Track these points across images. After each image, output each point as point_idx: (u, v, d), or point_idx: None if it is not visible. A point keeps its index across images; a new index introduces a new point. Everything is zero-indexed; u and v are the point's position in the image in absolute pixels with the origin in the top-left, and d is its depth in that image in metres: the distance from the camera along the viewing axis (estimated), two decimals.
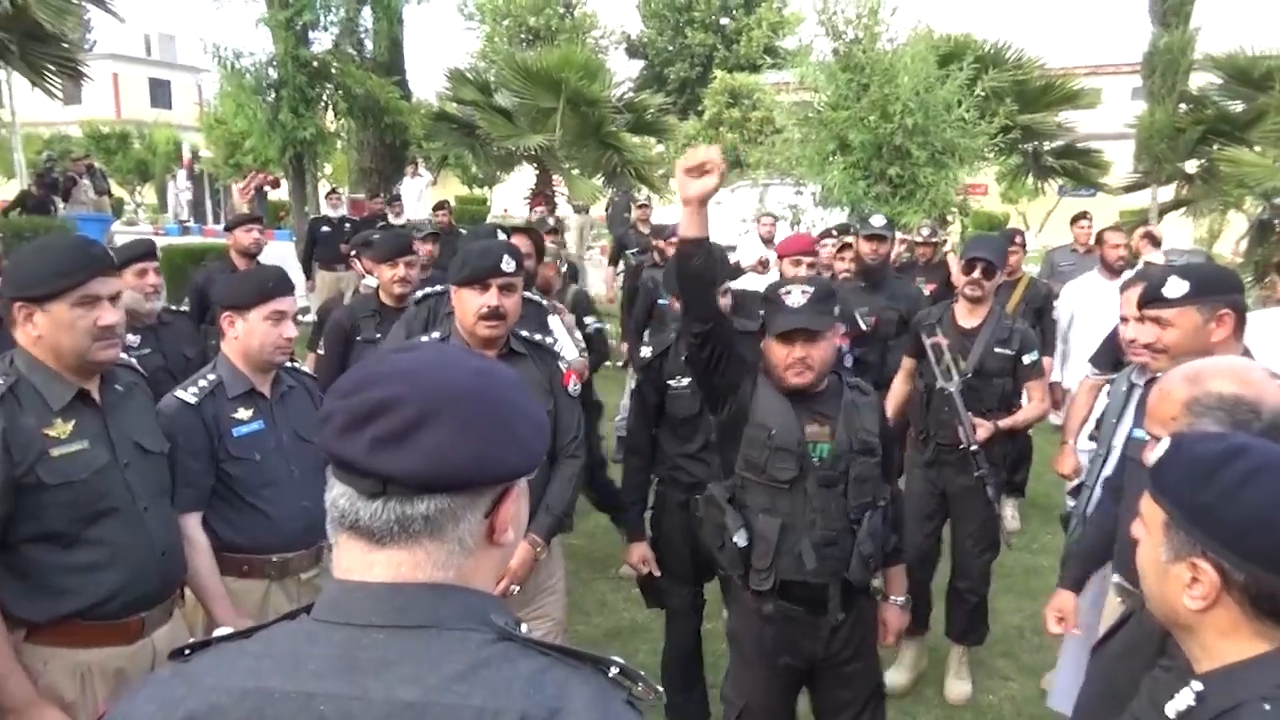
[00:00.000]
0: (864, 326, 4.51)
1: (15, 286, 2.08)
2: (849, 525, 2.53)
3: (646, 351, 3.39)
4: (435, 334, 2.93)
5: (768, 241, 8.13)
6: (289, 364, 2.75)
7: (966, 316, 3.90)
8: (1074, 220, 7.71)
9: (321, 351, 4.11)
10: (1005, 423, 3.80)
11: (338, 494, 0.94)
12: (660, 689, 0.95)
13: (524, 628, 0.96)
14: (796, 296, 2.49)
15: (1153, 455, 1.29)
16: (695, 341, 2.56)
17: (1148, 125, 11.98)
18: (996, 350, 3.81)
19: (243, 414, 2.55)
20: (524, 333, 2.88)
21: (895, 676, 3.82)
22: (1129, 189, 12.99)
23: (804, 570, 2.50)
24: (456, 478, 0.92)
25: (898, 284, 4.97)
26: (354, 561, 0.94)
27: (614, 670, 0.93)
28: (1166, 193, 12.58)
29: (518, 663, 0.89)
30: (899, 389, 4.13)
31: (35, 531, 2.04)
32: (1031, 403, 3.93)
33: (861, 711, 2.69)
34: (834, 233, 6.08)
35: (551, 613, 2.90)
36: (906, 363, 4.10)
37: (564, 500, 2.82)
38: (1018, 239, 6.21)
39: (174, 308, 4.06)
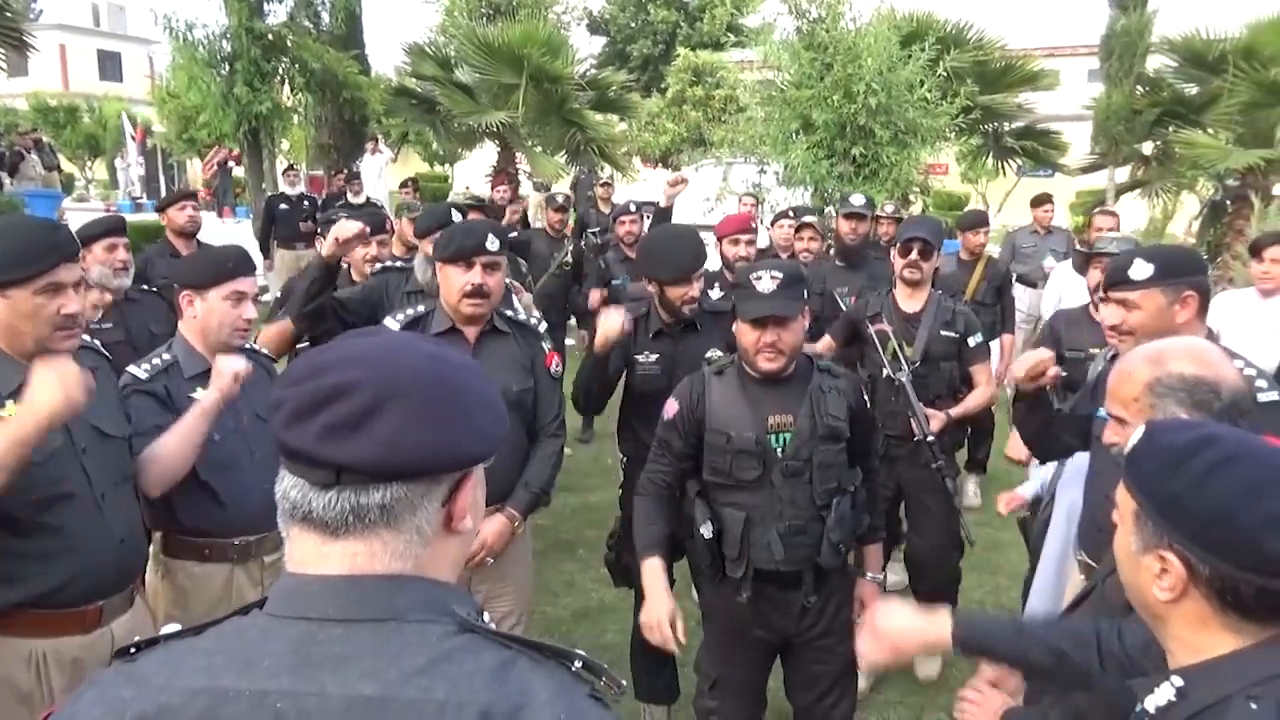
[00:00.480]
0: (844, 306, 4.45)
1: None
2: (817, 513, 2.54)
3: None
4: (420, 308, 2.90)
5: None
6: (248, 345, 2.69)
7: (907, 301, 3.80)
8: (1036, 202, 7.77)
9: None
10: (956, 410, 3.72)
11: (289, 485, 0.92)
12: (624, 682, 0.93)
13: (486, 616, 0.94)
14: (767, 282, 2.50)
15: (1130, 441, 1.28)
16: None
17: (1105, 107, 12.14)
18: (941, 334, 3.72)
19: (200, 393, 2.49)
20: (508, 312, 2.89)
21: (927, 668, 3.78)
22: (1086, 170, 13.18)
23: (774, 560, 2.53)
24: (412, 465, 0.90)
25: (878, 264, 4.85)
26: (307, 554, 0.91)
27: (577, 664, 0.91)
28: (1123, 174, 12.78)
29: (481, 655, 0.88)
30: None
31: None
32: (979, 387, 3.83)
33: (833, 687, 2.71)
34: (790, 214, 6.06)
35: (517, 588, 2.94)
36: (827, 343, 3.99)
37: (543, 478, 2.87)
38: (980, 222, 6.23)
39: (144, 286, 3.96)
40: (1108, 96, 12.22)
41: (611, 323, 2.99)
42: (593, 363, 3.16)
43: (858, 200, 4.84)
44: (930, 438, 3.49)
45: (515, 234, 6.50)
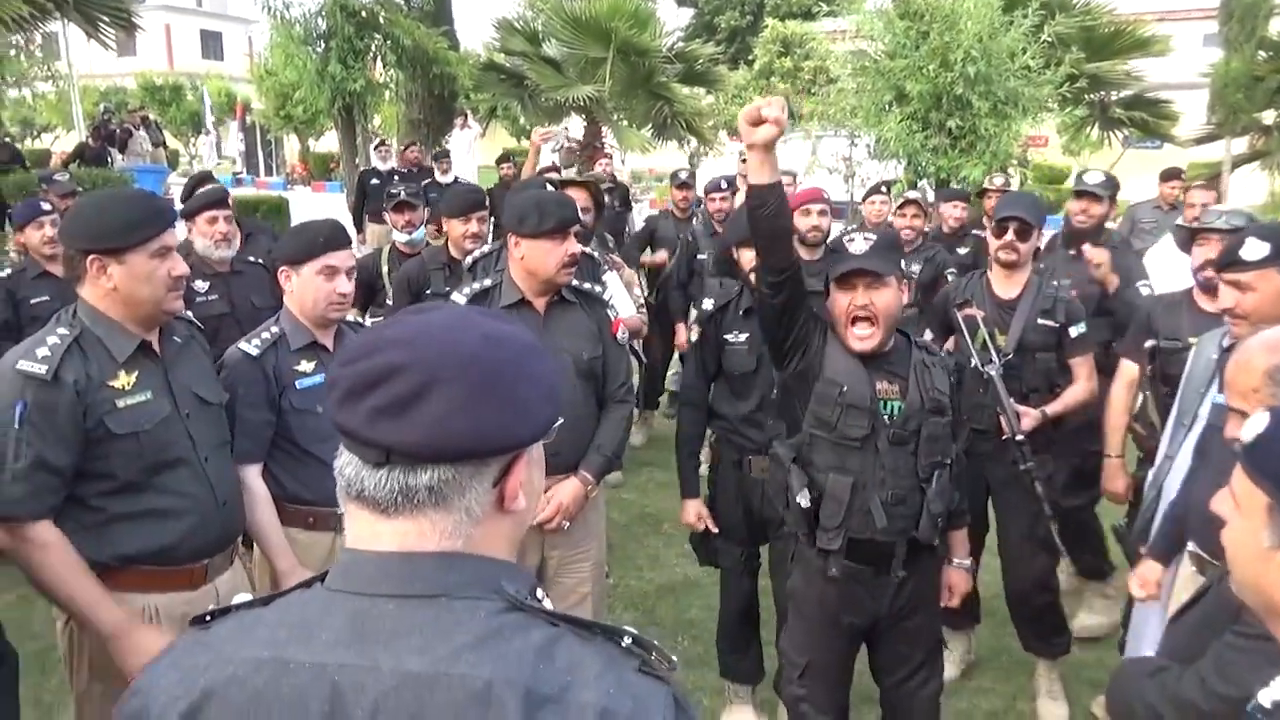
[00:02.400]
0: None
1: (89, 239, 2.08)
2: (918, 484, 2.51)
3: (708, 304, 3.32)
4: (486, 281, 2.92)
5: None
6: (350, 318, 2.75)
7: (1003, 285, 3.48)
8: (1165, 177, 7.33)
9: (390, 304, 4.12)
10: (1053, 409, 3.34)
11: (344, 462, 0.93)
12: (674, 659, 0.92)
13: (540, 594, 0.94)
14: (859, 244, 2.48)
15: (1247, 432, 1.20)
16: (769, 291, 2.50)
17: (1223, 74, 11.52)
18: (1039, 323, 3.39)
19: (305, 366, 2.56)
20: (574, 281, 2.91)
21: (1054, 711, 3.50)
22: (1199, 141, 12.52)
23: (873, 528, 2.49)
24: (457, 449, 0.90)
25: (1114, 254, 4.07)
26: (362, 531, 0.93)
27: (627, 640, 0.91)
28: (1239, 145, 12.10)
29: (529, 633, 0.88)
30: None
31: (103, 481, 2.08)
32: (1078, 382, 3.43)
33: (921, 666, 2.68)
34: (883, 189, 5.81)
35: (593, 554, 2.97)
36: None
37: (614, 441, 2.91)
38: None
39: (250, 258, 4.04)
40: (1226, 62, 11.59)
41: None
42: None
43: (1093, 178, 4.14)
44: (1020, 437, 3.20)
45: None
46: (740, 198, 5.66)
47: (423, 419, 0.88)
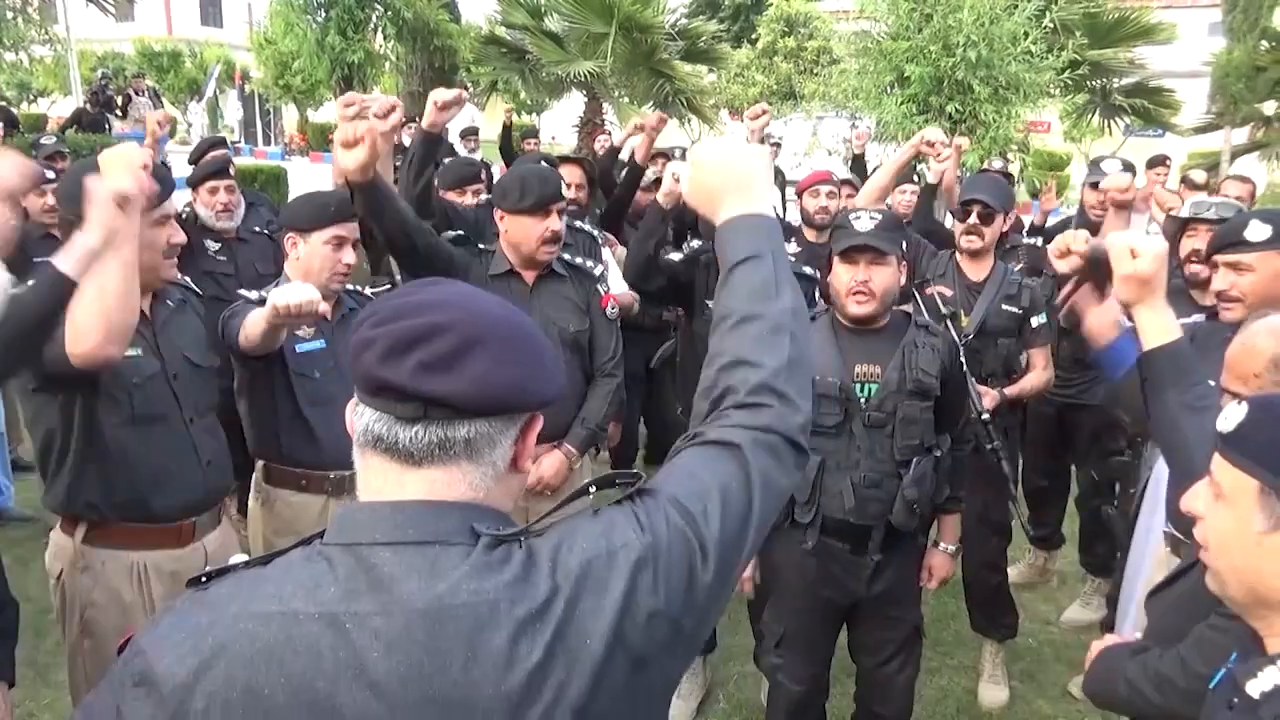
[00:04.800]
0: None
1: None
2: (895, 469, 2.51)
3: (695, 243, 3.33)
4: (481, 245, 2.96)
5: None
6: (351, 288, 2.77)
7: (971, 267, 3.48)
8: (1150, 165, 7.28)
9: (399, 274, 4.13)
10: (1011, 390, 3.36)
11: (371, 419, 0.96)
12: (639, 473, 1.02)
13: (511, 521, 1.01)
14: (865, 221, 2.51)
15: (1225, 422, 1.20)
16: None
17: (1225, 63, 11.47)
18: (1003, 308, 3.37)
19: (305, 331, 2.59)
20: (565, 255, 2.93)
21: (994, 694, 3.51)
22: (1200, 130, 12.49)
23: (845, 509, 2.51)
24: (498, 402, 0.96)
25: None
26: (385, 481, 0.96)
27: (592, 490, 1.02)
28: (1240, 135, 12.07)
29: (515, 556, 0.94)
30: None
31: (88, 435, 2.12)
32: (1034, 370, 3.46)
33: (898, 652, 2.71)
34: (914, 179, 5.54)
35: None
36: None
37: (599, 415, 2.94)
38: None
39: (256, 228, 4.05)
40: (1229, 51, 11.53)
41: (678, 169, 2.91)
42: (653, 214, 3.05)
43: (1110, 166, 4.05)
44: (985, 416, 3.18)
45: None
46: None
47: (468, 374, 0.93)
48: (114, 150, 1.95)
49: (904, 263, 2.59)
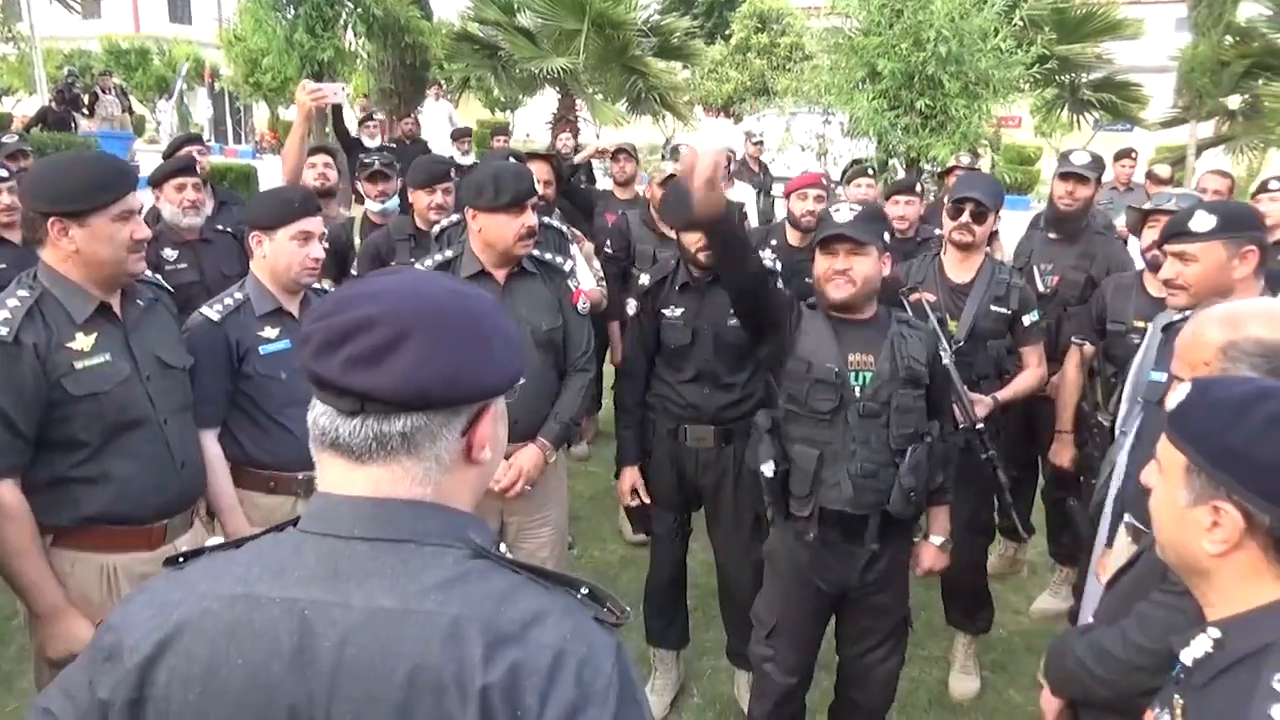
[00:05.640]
0: (1042, 288, 3.84)
1: (50, 200, 2.08)
2: (891, 458, 2.53)
3: (645, 279, 3.31)
4: (448, 252, 2.94)
5: None
6: (318, 285, 2.75)
7: (957, 269, 3.43)
8: (1117, 157, 7.37)
9: (355, 274, 4.11)
10: (1004, 395, 3.33)
11: (319, 413, 0.98)
12: (627, 609, 0.97)
13: (502, 547, 1.00)
14: (845, 213, 2.54)
15: (1172, 401, 1.27)
16: (742, 309, 2.66)
17: (1190, 58, 11.60)
18: (992, 309, 3.33)
19: (269, 332, 2.57)
20: (535, 252, 2.93)
21: (966, 684, 3.54)
22: (1166, 125, 12.66)
23: (843, 500, 2.53)
24: (431, 396, 0.94)
25: (1098, 240, 3.99)
26: (336, 478, 0.97)
27: (583, 591, 0.96)
28: (1206, 129, 12.24)
29: (492, 579, 0.93)
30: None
31: (61, 442, 2.09)
32: (1028, 369, 3.42)
33: (884, 641, 2.75)
34: (870, 171, 5.42)
35: (553, 519, 3.02)
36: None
37: (572, 409, 2.95)
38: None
39: (220, 226, 3.99)
40: (1194, 46, 11.66)
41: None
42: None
43: (1079, 158, 4.00)
44: (978, 425, 3.17)
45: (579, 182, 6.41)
46: None
47: (397, 367, 0.92)
48: None
49: (885, 254, 2.60)
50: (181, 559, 1.00)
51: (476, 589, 0.91)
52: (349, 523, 0.94)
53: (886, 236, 2.64)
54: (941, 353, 3.09)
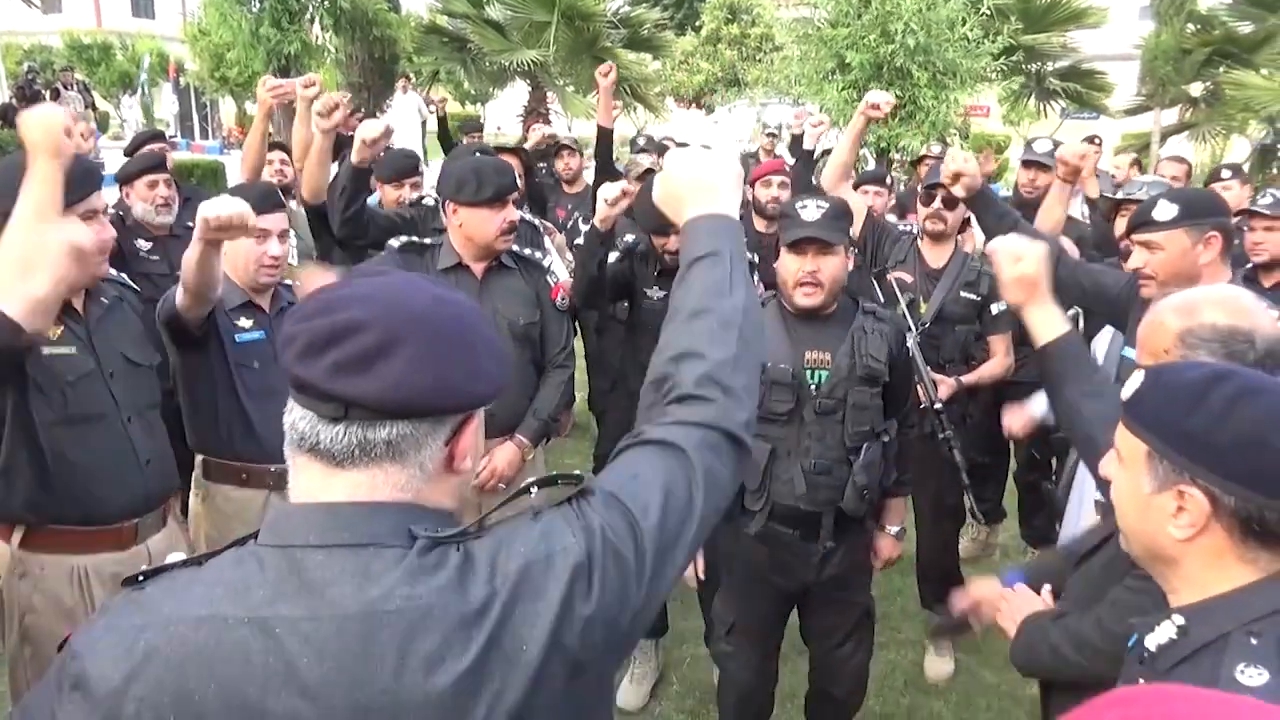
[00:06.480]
0: None
1: (13, 200, 2.03)
2: (845, 455, 2.52)
3: (629, 238, 3.29)
4: (426, 240, 2.93)
5: None
6: (289, 282, 2.73)
7: (931, 253, 3.47)
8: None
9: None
10: (968, 378, 3.37)
11: (297, 417, 0.95)
12: (579, 473, 1.00)
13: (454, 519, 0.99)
14: (812, 210, 2.49)
15: (1127, 390, 1.27)
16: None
17: (1153, 46, 11.74)
18: (962, 295, 3.38)
19: (244, 322, 2.56)
20: (514, 247, 2.92)
21: (940, 666, 3.59)
22: (1131, 112, 12.82)
23: (795, 496, 2.52)
24: (418, 405, 0.93)
25: (1065, 226, 3.85)
26: (312, 483, 0.95)
27: (533, 491, 0.99)
28: (1170, 116, 12.41)
29: (451, 558, 0.92)
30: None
31: (23, 437, 2.07)
32: (995, 357, 3.45)
33: (850, 635, 2.74)
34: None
35: None
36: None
37: (551, 405, 2.94)
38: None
39: (190, 223, 3.95)
40: (1156, 35, 11.81)
41: (609, 192, 2.87)
42: (592, 237, 2.99)
43: (1041, 146, 4.10)
44: (938, 405, 3.21)
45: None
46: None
47: (384, 376, 0.89)
48: (33, 115, 1.87)
49: (850, 251, 2.59)
50: (141, 578, 0.96)
51: (439, 578, 0.90)
52: (303, 531, 0.92)
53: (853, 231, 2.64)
54: (907, 333, 3.07)
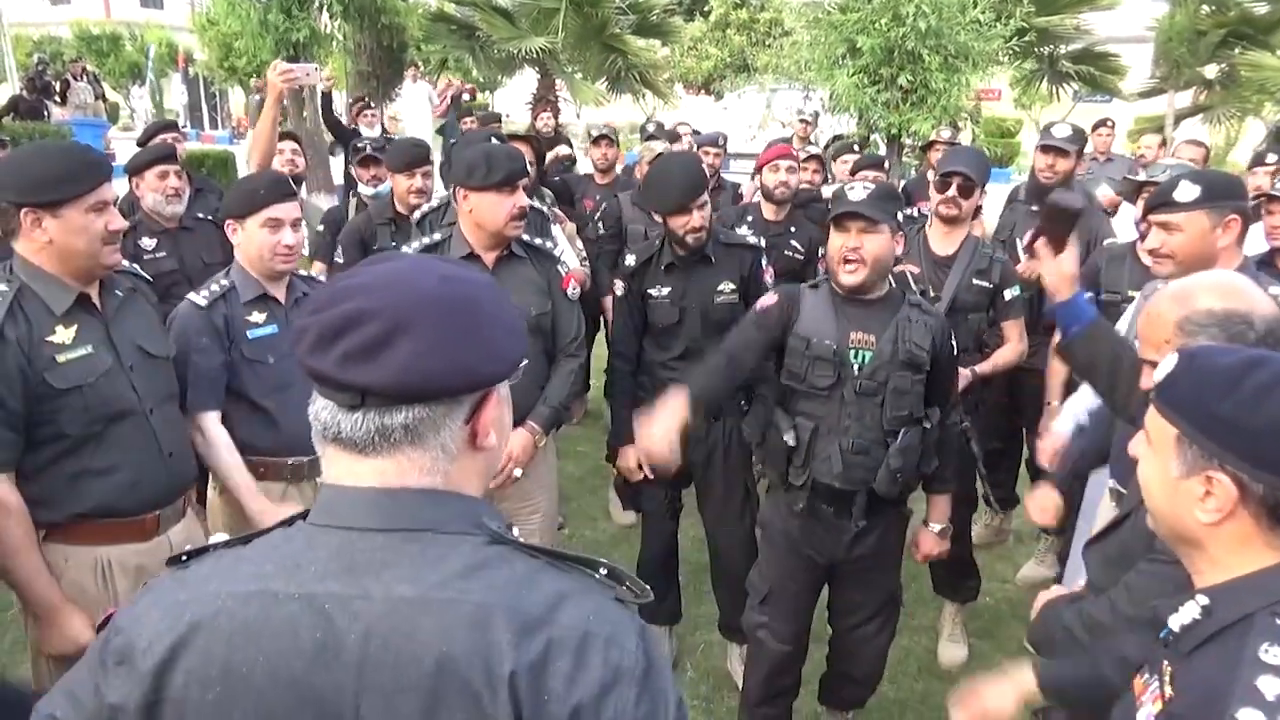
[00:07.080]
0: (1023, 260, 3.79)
1: (23, 191, 2.05)
2: (883, 437, 2.56)
3: (630, 260, 3.32)
4: (436, 235, 2.94)
5: None
6: (303, 274, 2.75)
7: (941, 242, 3.45)
8: (1094, 128, 7.40)
9: (340, 260, 4.09)
10: (983, 368, 3.37)
11: (319, 407, 0.96)
12: (646, 587, 0.98)
13: (514, 530, 0.99)
14: (859, 191, 2.56)
15: (1159, 373, 1.27)
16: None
17: (1167, 28, 11.62)
18: (974, 283, 3.36)
19: (256, 317, 2.58)
20: (524, 236, 2.92)
21: (954, 652, 3.62)
22: (1145, 95, 12.70)
23: (832, 474, 2.57)
24: (430, 388, 0.93)
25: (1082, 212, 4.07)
26: (342, 472, 0.96)
27: (602, 571, 0.96)
28: (1184, 99, 12.29)
29: (513, 564, 0.93)
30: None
31: (47, 436, 2.08)
32: (1008, 344, 3.46)
33: (874, 616, 2.79)
34: (855, 148, 5.58)
35: (543, 506, 3.04)
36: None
37: (562, 394, 2.95)
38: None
39: (200, 214, 3.96)
40: (1171, 16, 11.68)
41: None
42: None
43: (1060, 131, 4.06)
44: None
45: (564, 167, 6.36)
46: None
47: (393, 361, 0.90)
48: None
49: (899, 233, 2.61)
50: (185, 557, 0.98)
51: (498, 575, 0.90)
52: (363, 514, 0.93)
53: (900, 216, 2.66)
54: None
